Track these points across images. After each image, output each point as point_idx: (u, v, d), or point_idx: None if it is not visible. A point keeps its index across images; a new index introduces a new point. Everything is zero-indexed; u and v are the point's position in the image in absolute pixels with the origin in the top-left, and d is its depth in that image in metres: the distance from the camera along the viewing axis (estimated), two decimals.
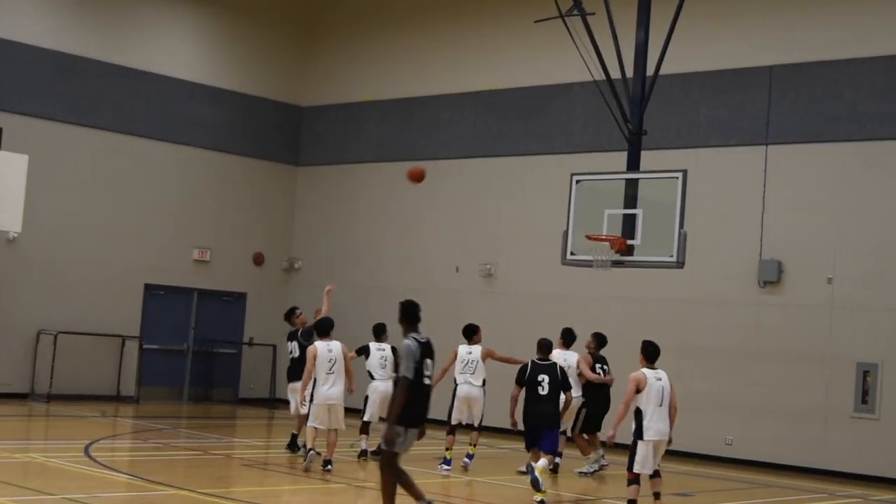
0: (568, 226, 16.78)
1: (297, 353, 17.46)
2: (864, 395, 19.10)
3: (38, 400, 22.88)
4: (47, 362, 23.04)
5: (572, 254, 16.72)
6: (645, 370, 13.21)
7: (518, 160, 23.70)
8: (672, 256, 15.78)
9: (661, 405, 13.03)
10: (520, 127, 23.84)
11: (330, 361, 15.56)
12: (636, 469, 13.02)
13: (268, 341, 25.99)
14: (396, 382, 10.98)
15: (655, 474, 13.37)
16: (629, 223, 16.20)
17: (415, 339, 10.85)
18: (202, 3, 26.10)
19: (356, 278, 25.65)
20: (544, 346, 15.28)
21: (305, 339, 17.20)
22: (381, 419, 16.76)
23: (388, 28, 26.35)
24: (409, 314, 11.04)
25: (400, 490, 10.96)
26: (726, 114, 21.13)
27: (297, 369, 17.17)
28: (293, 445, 17.30)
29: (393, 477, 10.90)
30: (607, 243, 16.04)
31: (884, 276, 19.18)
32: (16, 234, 21.39)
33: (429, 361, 10.87)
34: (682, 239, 15.68)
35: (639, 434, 13.01)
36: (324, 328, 15.99)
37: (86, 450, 16.08)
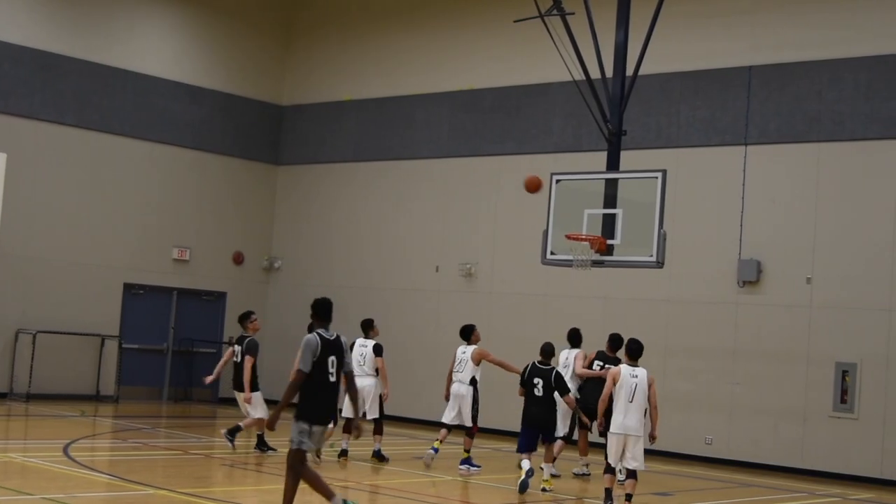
0: (548, 225, 16.81)
1: (239, 359, 17.17)
2: (843, 395, 19.17)
3: (16, 399, 22.78)
4: (26, 362, 22.95)
5: (552, 253, 16.77)
6: (623, 366, 13.79)
7: (497, 160, 23.67)
8: (652, 256, 15.85)
9: (630, 401, 13.52)
10: (499, 126, 23.83)
11: None
12: (607, 460, 13.71)
13: None
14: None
15: (631, 475, 13.55)
16: (609, 223, 16.25)
17: (319, 334, 10.82)
18: (183, 3, 26.01)
19: (336, 277, 25.61)
20: (545, 351, 15.58)
21: (249, 351, 16.98)
22: (363, 415, 16.82)
23: (367, 27, 26.32)
24: (320, 311, 11.05)
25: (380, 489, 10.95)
26: (706, 114, 21.18)
27: (239, 376, 17.11)
28: (262, 445, 17.21)
29: (296, 476, 10.83)
30: (587, 243, 16.08)
31: (862, 275, 19.25)
32: None
33: (333, 359, 10.79)
34: (662, 239, 15.73)
35: (608, 426, 13.72)
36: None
37: (65, 449, 16.01)
